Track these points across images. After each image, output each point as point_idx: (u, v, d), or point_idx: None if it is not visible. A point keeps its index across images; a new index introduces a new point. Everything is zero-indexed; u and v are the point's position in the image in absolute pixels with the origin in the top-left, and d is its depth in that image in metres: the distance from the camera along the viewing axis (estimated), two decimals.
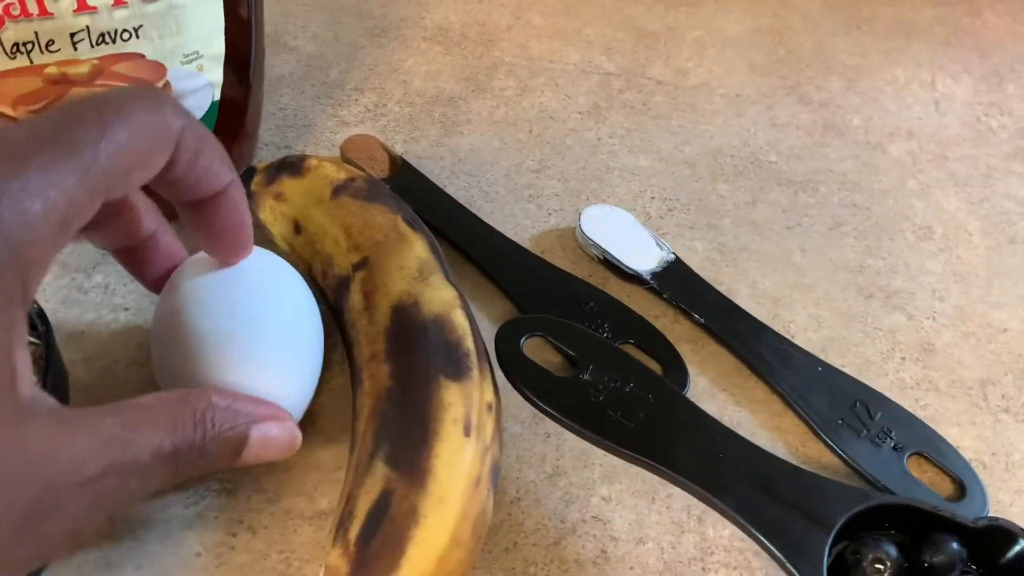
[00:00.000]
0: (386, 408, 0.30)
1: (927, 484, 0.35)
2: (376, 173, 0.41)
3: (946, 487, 0.35)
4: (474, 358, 0.31)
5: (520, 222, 0.42)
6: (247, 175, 0.39)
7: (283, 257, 0.38)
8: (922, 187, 0.47)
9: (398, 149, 0.44)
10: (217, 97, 0.37)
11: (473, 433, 0.29)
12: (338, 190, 0.36)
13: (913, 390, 0.38)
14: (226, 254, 0.30)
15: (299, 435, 0.28)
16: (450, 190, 0.42)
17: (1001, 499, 0.35)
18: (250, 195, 0.38)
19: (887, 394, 0.37)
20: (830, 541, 0.28)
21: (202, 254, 0.31)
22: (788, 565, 0.28)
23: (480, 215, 0.42)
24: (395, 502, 0.28)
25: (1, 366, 0.20)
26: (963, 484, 0.34)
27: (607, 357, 0.32)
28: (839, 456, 0.35)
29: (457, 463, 0.28)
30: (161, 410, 0.24)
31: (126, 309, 0.36)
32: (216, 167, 0.27)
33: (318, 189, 0.37)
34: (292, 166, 0.38)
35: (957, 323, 0.41)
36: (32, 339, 0.29)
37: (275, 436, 0.27)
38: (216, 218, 0.29)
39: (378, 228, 0.35)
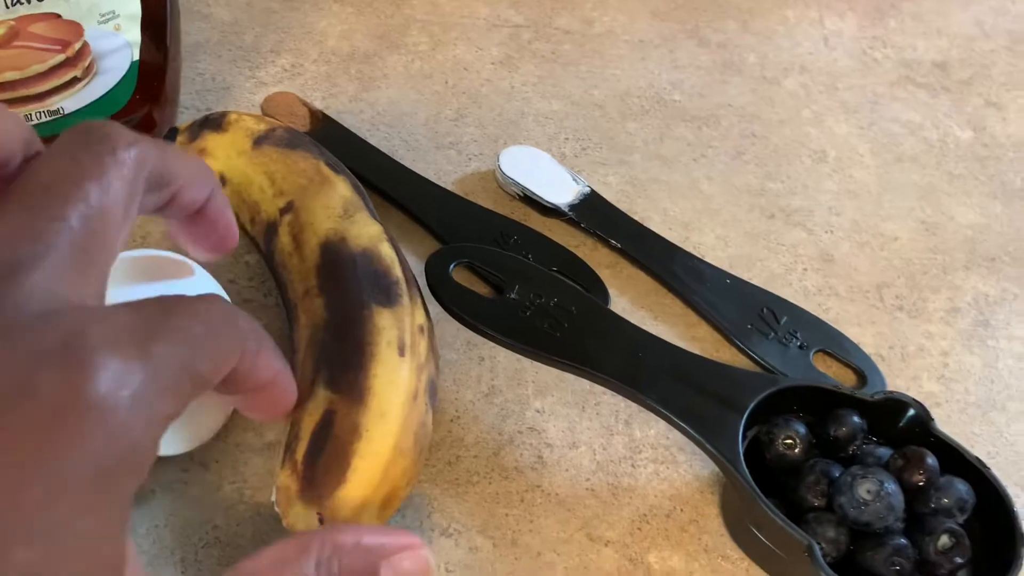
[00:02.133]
0: (323, 337, 0.32)
1: (832, 376, 0.38)
2: (298, 128, 0.42)
3: (849, 378, 0.38)
4: (403, 286, 0.33)
5: (442, 168, 0.44)
6: (170, 135, 0.40)
7: None
8: (816, 116, 0.50)
9: (317, 105, 0.45)
10: (136, 57, 0.37)
11: (407, 353, 0.31)
12: (259, 140, 0.37)
13: (816, 296, 0.41)
14: (216, 251, 0.28)
15: (432, 562, 0.24)
16: (372, 141, 0.44)
17: (899, 385, 0.38)
18: None
19: (792, 301, 0.40)
20: (743, 422, 0.31)
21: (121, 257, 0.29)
22: (708, 446, 0.30)
23: (403, 163, 0.43)
24: (338, 420, 0.29)
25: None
26: (864, 374, 0.38)
27: (531, 276, 0.34)
28: (750, 357, 0.38)
29: (394, 379, 0.30)
30: (273, 557, 0.22)
31: None
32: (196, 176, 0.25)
33: (240, 141, 0.38)
34: (214, 122, 0.39)
35: (853, 235, 0.44)
36: None
37: (408, 571, 0.24)
38: (202, 225, 0.27)
39: (301, 173, 0.36)
